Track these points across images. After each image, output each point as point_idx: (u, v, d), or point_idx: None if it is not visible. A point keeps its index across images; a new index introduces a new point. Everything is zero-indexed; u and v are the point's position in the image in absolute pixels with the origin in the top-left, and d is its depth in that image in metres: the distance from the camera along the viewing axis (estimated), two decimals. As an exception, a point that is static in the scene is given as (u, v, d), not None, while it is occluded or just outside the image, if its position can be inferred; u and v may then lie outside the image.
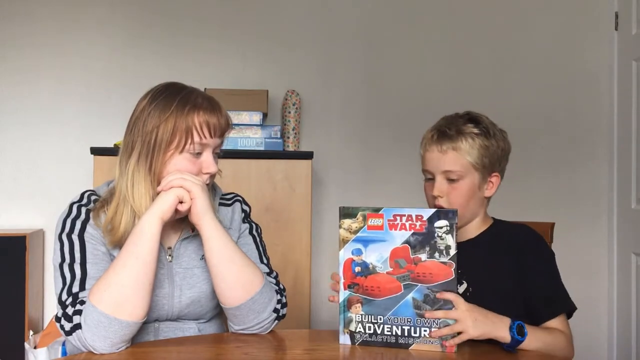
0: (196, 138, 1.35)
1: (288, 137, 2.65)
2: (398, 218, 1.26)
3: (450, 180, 1.44)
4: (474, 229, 1.50)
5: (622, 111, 2.94)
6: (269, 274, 1.48)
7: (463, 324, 1.24)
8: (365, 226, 1.27)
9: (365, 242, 1.28)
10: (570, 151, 3.00)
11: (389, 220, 1.26)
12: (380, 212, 1.27)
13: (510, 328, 1.25)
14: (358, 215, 1.28)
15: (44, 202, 2.80)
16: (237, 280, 1.37)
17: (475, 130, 1.43)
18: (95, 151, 2.42)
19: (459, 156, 1.42)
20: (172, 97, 1.37)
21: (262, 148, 2.50)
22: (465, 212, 1.45)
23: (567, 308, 1.40)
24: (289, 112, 2.67)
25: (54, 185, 2.80)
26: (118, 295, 1.25)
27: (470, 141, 1.42)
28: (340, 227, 1.29)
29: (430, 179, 1.48)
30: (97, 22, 2.85)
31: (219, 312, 1.52)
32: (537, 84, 2.99)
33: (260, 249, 1.53)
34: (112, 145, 2.48)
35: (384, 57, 2.96)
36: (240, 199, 1.58)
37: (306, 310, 2.49)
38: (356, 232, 1.28)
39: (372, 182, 2.94)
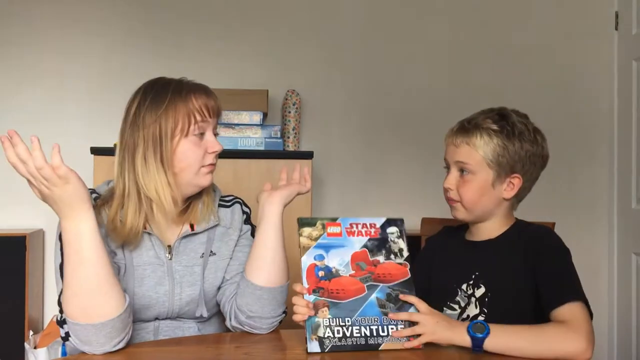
0: (198, 117, 1.39)
1: (288, 137, 2.65)
2: (354, 226, 1.35)
3: (463, 173, 1.42)
4: (494, 229, 1.46)
5: (622, 111, 2.94)
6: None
7: (424, 326, 1.25)
8: (325, 233, 1.33)
9: (327, 247, 1.32)
10: (570, 151, 3.00)
11: (346, 228, 1.34)
12: (337, 221, 1.35)
13: (467, 328, 1.22)
14: (317, 224, 1.33)
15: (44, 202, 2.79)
16: (282, 262, 1.43)
17: (494, 127, 1.40)
18: (95, 151, 2.42)
19: (472, 150, 1.40)
20: (164, 87, 1.40)
21: (262, 148, 2.50)
22: (475, 209, 1.43)
23: (573, 297, 1.28)
24: (289, 112, 2.66)
25: (54, 185, 2.80)
26: (79, 303, 1.21)
27: (485, 137, 1.39)
28: (300, 235, 1.32)
29: (447, 168, 1.47)
30: (97, 22, 2.85)
31: (218, 311, 1.52)
32: (537, 84, 2.99)
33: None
34: (112, 145, 2.47)
35: (384, 57, 2.96)
36: (240, 201, 1.59)
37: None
38: (316, 239, 1.32)
39: (372, 182, 2.94)
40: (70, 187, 1.18)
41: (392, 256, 1.34)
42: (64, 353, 1.38)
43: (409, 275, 1.32)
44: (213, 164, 1.44)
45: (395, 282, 1.31)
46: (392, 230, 1.36)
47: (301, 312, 1.26)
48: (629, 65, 2.89)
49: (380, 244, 1.34)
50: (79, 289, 1.21)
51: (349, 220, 1.35)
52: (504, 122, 1.41)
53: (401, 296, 1.30)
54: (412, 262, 1.35)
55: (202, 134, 1.41)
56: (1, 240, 2.52)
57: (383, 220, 1.37)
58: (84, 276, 1.21)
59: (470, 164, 1.40)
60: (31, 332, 2.48)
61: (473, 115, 1.46)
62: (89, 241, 1.21)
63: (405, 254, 1.34)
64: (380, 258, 1.33)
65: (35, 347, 2.37)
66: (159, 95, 1.38)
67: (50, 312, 2.77)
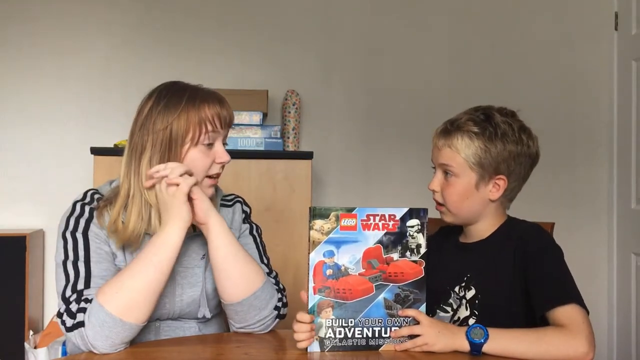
0: (209, 127, 1.38)
1: (288, 137, 2.65)
2: (371, 218, 1.26)
3: (447, 175, 1.41)
4: (485, 230, 1.44)
5: (622, 111, 2.94)
6: (268, 273, 1.48)
7: (426, 338, 1.25)
8: (338, 227, 1.25)
9: (338, 243, 1.25)
10: (570, 151, 3.00)
11: (362, 220, 1.25)
12: (353, 212, 1.25)
13: (466, 333, 1.22)
14: (330, 216, 1.24)
15: (44, 202, 2.80)
16: (241, 276, 1.38)
17: (475, 129, 1.37)
18: (95, 151, 2.42)
19: (454, 153, 1.38)
20: (179, 93, 1.39)
21: (262, 148, 2.50)
22: (460, 212, 1.42)
23: (568, 299, 1.27)
24: (289, 112, 2.67)
25: (54, 185, 2.80)
26: (128, 299, 1.25)
27: (467, 140, 1.37)
28: (311, 228, 1.24)
29: (434, 169, 1.45)
30: (97, 22, 2.85)
31: (219, 312, 1.52)
32: (537, 84, 3.00)
33: (260, 249, 1.54)
34: (112, 145, 2.48)
35: (384, 57, 2.96)
36: (241, 200, 1.59)
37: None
38: (328, 233, 1.25)
39: (372, 182, 2.95)
40: (175, 202, 1.31)
41: (408, 253, 1.27)
42: (64, 353, 1.39)
43: (423, 274, 1.28)
44: (218, 174, 1.44)
45: (406, 282, 1.27)
46: (413, 223, 1.27)
47: (303, 338, 1.25)
48: (628, 65, 2.89)
49: (396, 239, 1.27)
50: (138, 286, 1.26)
51: (366, 211, 1.25)
52: (487, 123, 1.38)
53: (400, 312, 1.27)
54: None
55: (211, 144, 1.40)
56: (1, 240, 2.52)
57: (404, 211, 1.27)
58: (149, 278, 1.28)
59: (452, 166, 1.39)
60: (31, 332, 2.49)
61: (458, 115, 1.43)
62: (168, 252, 1.30)
63: (423, 250, 1.28)
64: (395, 255, 1.27)
65: (35, 347, 2.37)
66: (172, 100, 1.37)
67: (50, 312, 2.77)
